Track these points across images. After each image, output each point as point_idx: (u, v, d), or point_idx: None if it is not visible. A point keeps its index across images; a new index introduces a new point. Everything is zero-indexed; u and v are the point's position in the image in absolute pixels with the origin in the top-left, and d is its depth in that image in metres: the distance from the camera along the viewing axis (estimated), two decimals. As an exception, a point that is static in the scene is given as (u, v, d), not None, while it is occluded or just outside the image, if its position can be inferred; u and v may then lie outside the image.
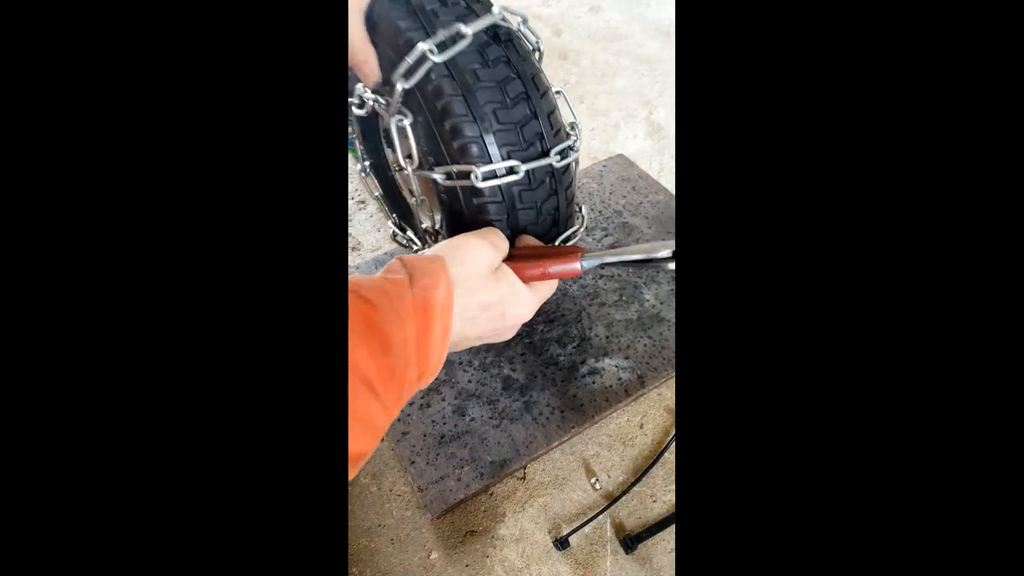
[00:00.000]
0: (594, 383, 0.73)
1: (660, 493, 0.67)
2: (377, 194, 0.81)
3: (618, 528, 0.65)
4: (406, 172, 0.59)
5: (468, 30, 0.50)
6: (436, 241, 0.67)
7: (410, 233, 0.77)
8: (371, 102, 0.60)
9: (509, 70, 0.54)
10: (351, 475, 0.33)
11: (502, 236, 0.51)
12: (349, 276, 0.37)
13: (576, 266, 0.45)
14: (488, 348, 0.77)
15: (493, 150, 0.53)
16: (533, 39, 0.57)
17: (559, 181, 0.58)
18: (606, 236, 0.90)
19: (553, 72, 1.26)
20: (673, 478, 0.68)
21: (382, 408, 0.35)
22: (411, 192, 0.74)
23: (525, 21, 0.56)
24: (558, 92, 0.59)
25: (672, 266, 0.43)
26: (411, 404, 0.72)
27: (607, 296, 0.82)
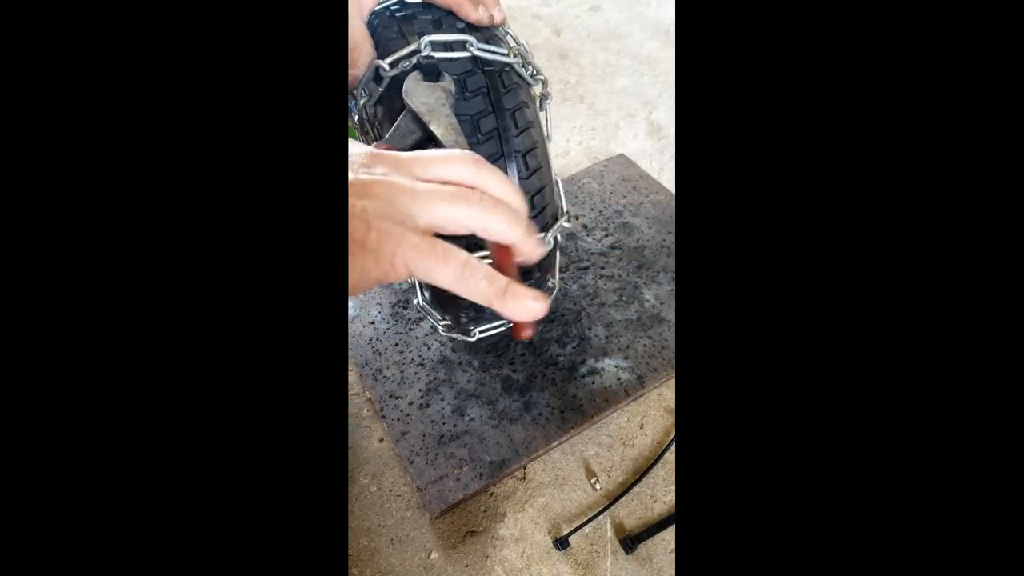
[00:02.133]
0: (594, 383, 0.73)
1: (660, 493, 0.67)
2: None
3: (618, 528, 0.65)
4: None
5: (425, 46, 0.49)
6: None
7: None
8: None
9: (486, 105, 0.51)
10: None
11: None
12: None
13: None
14: (487, 348, 0.77)
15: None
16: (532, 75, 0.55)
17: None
18: (606, 236, 0.90)
19: (553, 72, 1.25)
20: (673, 478, 0.68)
21: None
22: None
23: (524, 55, 0.53)
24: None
25: None
26: (410, 404, 0.72)
27: (607, 296, 0.82)
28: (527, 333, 0.38)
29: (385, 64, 0.50)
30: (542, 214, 0.56)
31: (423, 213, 0.31)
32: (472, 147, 0.50)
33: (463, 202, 0.32)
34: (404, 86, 0.48)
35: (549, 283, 0.61)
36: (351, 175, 0.31)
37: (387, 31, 0.52)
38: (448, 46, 0.51)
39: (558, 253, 0.62)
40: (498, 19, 0.53)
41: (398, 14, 0.54)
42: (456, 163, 0.34)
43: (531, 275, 0.60)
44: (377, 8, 0.54)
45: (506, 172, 0.52)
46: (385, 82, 0.50)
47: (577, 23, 1.42)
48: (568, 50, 1.34)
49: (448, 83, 0.49)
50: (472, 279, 0.33)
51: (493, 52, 0.52)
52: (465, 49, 0.51)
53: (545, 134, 0.58)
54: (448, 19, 0.54)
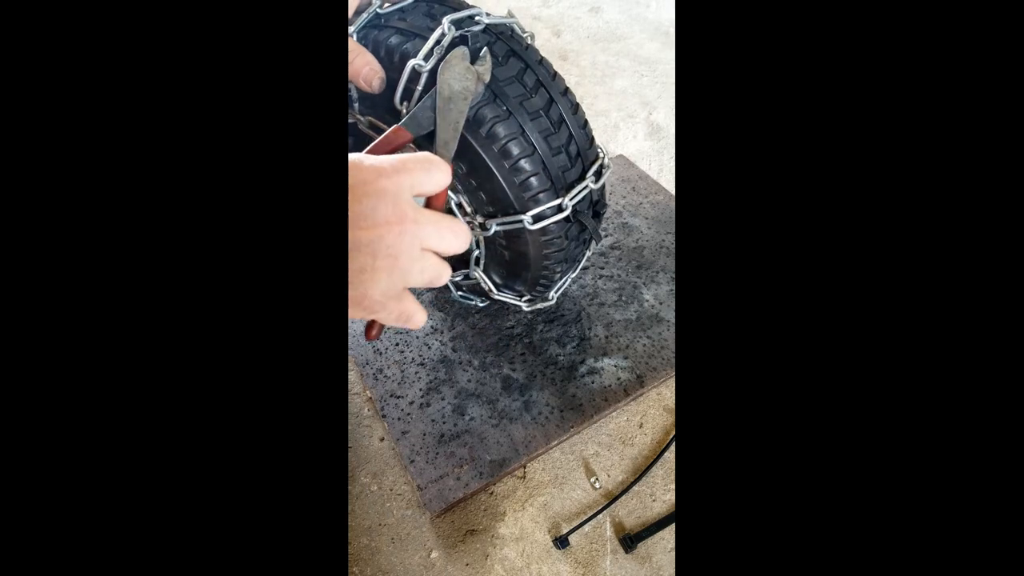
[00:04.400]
0: (593, 383, 0.73)
1: (660, 493, 0.67)
2: None
3: (618, 527, 0.65)
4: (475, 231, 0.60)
5: (447, 27, 0.50)
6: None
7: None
8: (366, 128, 0.58)
9: (520, 63, 0.54)
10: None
11: None
12: None
13: None
14: (488, 348, 0.77)
15: (535, 136, 0.53)
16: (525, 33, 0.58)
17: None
18: (605, 236, 0.90)
19: (553, 72, 1.26)
20: (672, 477, 0.68)
21: None
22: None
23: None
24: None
25: None
26: (411, 403, 0.72)
27: (606, 296, 0.82)
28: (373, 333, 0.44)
29: (420, 59, 0.50)
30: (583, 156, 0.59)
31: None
32: (524, 101, 0.53)
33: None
34: (440, 67, 0.48)
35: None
36: (358, 205, 0.33)
37: (391, 39, 0.53)
38: (459, 23, 0.52)
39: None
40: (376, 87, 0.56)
41: (389, 23, 0.54)
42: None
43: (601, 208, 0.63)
44: (355, 30, 0.55)
45: (561, 114, 0.55)
46: (424, 78, 0.51)
47: (577, 24, 1.42)
48: (568, 51, 1.34)
49: (485, 65, 0.50)
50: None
51: (496, 18, 0.54)
52: (475, 22, 0.53)
53: None
54: (437, 8, 0.55)
